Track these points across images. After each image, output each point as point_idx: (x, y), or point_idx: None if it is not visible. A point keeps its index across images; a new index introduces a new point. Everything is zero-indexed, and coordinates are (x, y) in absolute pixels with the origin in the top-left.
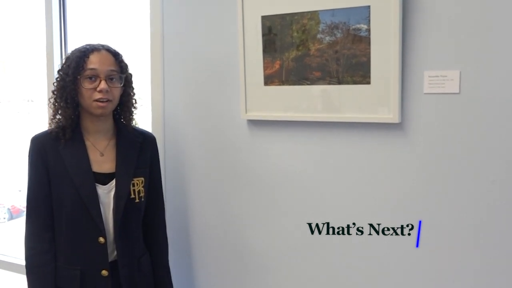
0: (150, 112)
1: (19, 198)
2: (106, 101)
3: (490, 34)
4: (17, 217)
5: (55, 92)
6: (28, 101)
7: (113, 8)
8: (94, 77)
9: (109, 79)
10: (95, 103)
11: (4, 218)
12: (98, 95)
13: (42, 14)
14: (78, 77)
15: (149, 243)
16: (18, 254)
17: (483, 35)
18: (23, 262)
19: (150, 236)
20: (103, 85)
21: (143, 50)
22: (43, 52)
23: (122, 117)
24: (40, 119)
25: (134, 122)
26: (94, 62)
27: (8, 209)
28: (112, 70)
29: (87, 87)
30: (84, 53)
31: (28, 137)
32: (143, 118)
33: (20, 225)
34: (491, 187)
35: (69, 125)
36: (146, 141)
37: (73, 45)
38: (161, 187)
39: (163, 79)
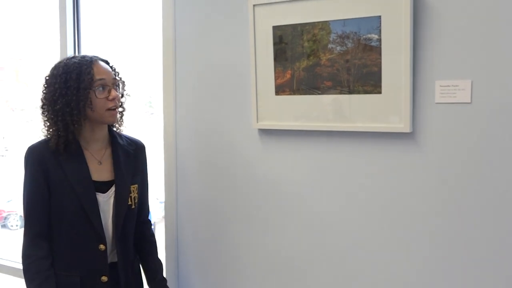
0: (162, 121)
1: None
2: (115, 108)
3: (501, 44)
4: None
5: (55, 107)
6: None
7: (126, 19)
8: (103, 86)
9: (114, 87)
10: (107, 112)
11: (17, 226)
12: (111, 104)
13: (56, 23)
14: (91, 89)
15: (140, 244)
16: None
17: (495, 45)
18: None
19: (141, 237)
20: (114, 93)
21: (155, 60)
22: (55, 61)
23: (117, 123)
24: (38, 130)
25: (123, 127)
26: (100, 72)
27: (21, 216)
28: (114, 78)
29: (100, 97)
30: (87, 65)
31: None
32: (155, 126)
33: None
34: (503, 197)
35: (69, 135)
36: (138, 149)
37: (87, 53)
38: (147, 190)
39: (175, 88)
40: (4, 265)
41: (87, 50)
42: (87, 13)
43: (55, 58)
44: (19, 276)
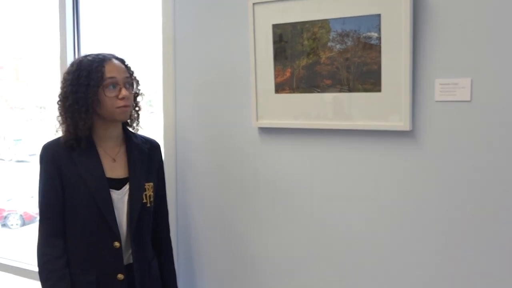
0: (162, 119)
1: (32, 205)
2: (126, 106)
3: (501, 42)
4: (29, 223)
5: (66, 104)
6: (40, 108)
7: (125, 18)
8: (114, 85)
9: (125, 86)
10: (118, 110)
11: (17, 225)
12: (121, 103)
13: (55, 22)
14: (100, 87)
15: (156, 247)
16: (31, 260)
17: (494, 43)
18: (37, 269)
19: (157, 240)
20: (124, 92)
21: (155, 58)
22: (55, 60)
23: (132, 122)
24: (52, 126)
25: (139, 127)
26: (111, 70)
27: (21, 215)
28: (127, 77)
29: (110, 95)
30: (99, 63)
31: (40, 143)
32: (154, 125)
33: (32, 231)
34: (502, 196)
35: (83, 133)
36: (153, 148)
37: (87, 52)
38: (165, 192)
39: (175, 86)
40: (5, 264)
41: (87, 50)
42: (87, 13)
43: (55, 57)
44: (20, 275)
